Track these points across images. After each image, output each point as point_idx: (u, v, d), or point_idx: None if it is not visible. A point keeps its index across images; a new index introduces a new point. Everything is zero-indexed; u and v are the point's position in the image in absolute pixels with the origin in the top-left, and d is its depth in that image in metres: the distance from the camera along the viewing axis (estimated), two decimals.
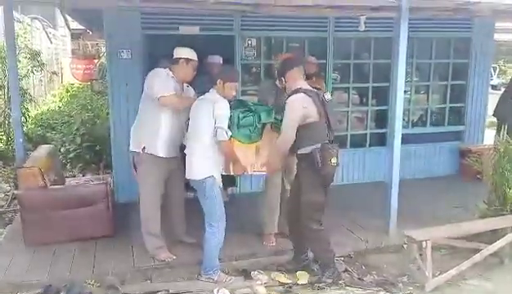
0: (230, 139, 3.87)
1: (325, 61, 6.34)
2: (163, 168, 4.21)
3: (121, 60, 5.59)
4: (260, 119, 4.01)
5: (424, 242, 3.93)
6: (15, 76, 5.29)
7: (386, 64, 6.36)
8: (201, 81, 4.37)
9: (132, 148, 4.28)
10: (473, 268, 4.15)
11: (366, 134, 6.88)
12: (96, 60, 12.63)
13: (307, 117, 3.77)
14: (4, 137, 8.53)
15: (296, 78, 3.91)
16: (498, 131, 6.30)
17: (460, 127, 7.29)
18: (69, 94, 13.25)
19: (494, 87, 16.28)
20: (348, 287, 3.98)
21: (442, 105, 7.24)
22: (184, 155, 4.05)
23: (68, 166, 7.62)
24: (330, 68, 6.43)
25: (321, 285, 3.94)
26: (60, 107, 11.64)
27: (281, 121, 3.91)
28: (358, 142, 6.84)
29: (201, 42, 5.53)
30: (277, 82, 4.15)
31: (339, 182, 6.25)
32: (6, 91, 8.18)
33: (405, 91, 5.16)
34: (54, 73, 14.01)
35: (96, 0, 5.12)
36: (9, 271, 4.12)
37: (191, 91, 4.35)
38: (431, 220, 4.78)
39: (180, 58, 4.15)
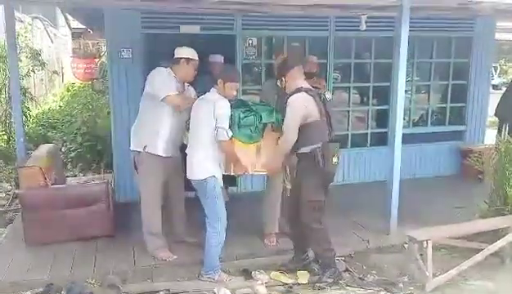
0: (231, 139, 3.87)
1: (325, 61, 6.34)
2: (164, 168, 4.21)
3: (122, 60, 5.59)
4: (261, 119, 4.00)
5: (424, 242, 3.93)
6: (16, 75, 5.30)
7: (387, 63, 6.36)
8: (202, 80, 4.37)
9: (132, 147, 4.28)
10: (474, 268, 4.15)
11: (366, 133, 6.88)
12: (96, 60, 12.60)
13: (308, 116, 3.78)
14: (5, 136, 8.55)
15: (296, 78, 3.91)
16: (499, 130, 6.30)
17: (461, 127, 7.28)
18: (69, 93, 13.26)
19: (495, 87, 16.29)
20: (348, 287, 3.98)
21: (443, 105, 7.23)
22: (184, 155, 4.05)
23: (69, 165, 7.64)
24: (330, 67, 6.42)
25: (321, 285, 3.94)
26: (60, 106, 11.66)
27: (282, 120, 3.91)
28: (359, 142, 6.84)
29: (202, 42, 5.54)
30: (278, 82, 4.15)
31: (340, 182, 6.26)
32: (7, 90, 8.19)
33: (406, 91, 5.16)
34: (55, 72, 14.02)
35: None
36: (10, 270, 4.12)
37: (192, 91, 4.35)
38: (432, 219, 4.77)
39: (181, 58, 4.15)
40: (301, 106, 3.77)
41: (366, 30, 5.60)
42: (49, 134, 9.01)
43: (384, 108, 6.76)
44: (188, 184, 4.16)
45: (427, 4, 4.96)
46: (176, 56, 4.17)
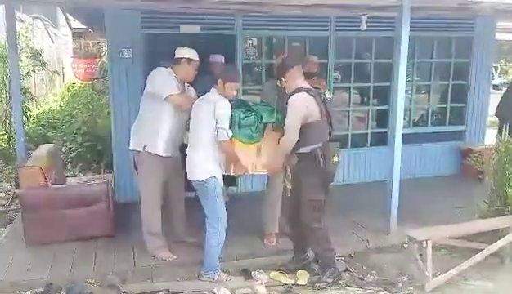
0: (231, 139, 3.87)
1: (326, 61, 6.33)
2: (164, 168, 4.21)
3: (122, 60, 5.60)
4: (262, 119, 3.99)
5: (424, 242, 3.93)
6: (16, 75, 5.31)
7: (387, 63, 6.36)
8: (202, 80, 4.37)
9: (132, 147, 4.29)
10: (473, 268, 4.14)
11: (366, 133, 6.88)
12: (97, 60, 12.62)
13: (309, 116, 3.78)
14: (5, 136, 8.56)
15: (296, 78, 3.91)
16: (499, 130, 6.30)
17: (461, 127, 7.28)
18: (70, 93, 13.27)
19: (495, 87, 16.28)
20: (348, 287, 3.98)
21: (443, 105, 7.23)
22: (184, 155, 4.05)
23: (69, 165, 7.64)
24: (331, 67, 6.42)
25: (321, 285, 3.94)
26: (61, 106, 11.67)
27: (282, 120, 3.91)
28: (359, 142, 6.84)
29: (202, 42, 5.54)
30: (278, 83, 4.15)
31: (340, 182, 6.26)
32: (7, 90, 8.20)
33: (406, 91, 5.16)
34: (55, 72, 14.03)
35: None
36: (10, 270, 4.12)
37: (192, 91, 4.35)
38: (432, 219, 4.77)
39: (181, 58, 4.15)
40: (302, 106, 3.77)
41: (366, 30, 5.60)
42: (49, 134, 9.01)
43: (384, 108, 6.76)
44: (188, 185, 4.16)
45: (427, 4, 4.96)
46: (176, 56, 4.17)
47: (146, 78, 4.26)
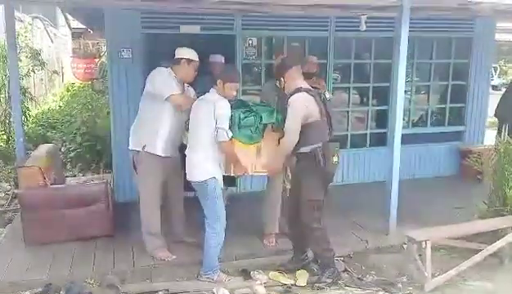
0: (231, 139, 3.87)
1: (325, 61, 6.34)
2: (163, 168, 4.21)
3: (122, 60, 5.60)
4: (261, 120, 3.99)
5: (423, 243, 3.93)
6: (15, 75, 5.31)
7: (387, 64, 6.36)
8: (202, 81, 4.37)
9: (131, 146, 4.28)
10: (472, 268, 4.15)
11: (366, 134, 6.88)
12: (96, 60, 12.61)
13: (309, 116, 3.78)
14: (5, 136, 8.55)
15: (295, 78, 3.91)
16: (499, 131, 6.30)
17: (461, 128, 7.29)
18: (69, 93, 13.26)
19: (495, 88, 16.29)
20: (347, 287, 3.98)
21: (443, 105, 7.23)
22: (184, 155, 4.05)
23: (68, 165, 7.63)
24: (330, 67, 6.42)
25: (320, 285, 3.94)
26: (60, 106, 11.66)
27: (282, 121, 3.91)
28: (358, 142, 6.84)
29: (202, 42, 5.54)
30: (277, 83, 4.14)
31: (339, 182, 6.26)
32: (6, 90, 8.19)
33: (405, 91, 5.16)
34: (55, 72, 14.02)
35: None
36: (9, 270, 4.12)
37: (192, 91, 4.35)
38: (431, 220, 4.78)
39: (181, 58, 4.15)
40: (302, 106, 3.77)
41: (365, 30, 5.61)
42: (48, 134, 9.00)
43: (384, 108, 6.76)
44: (187, 185, 4.16)
45: (427, 4, 4.96)
46: (176, 57, 4.17)
47: (146, 78, 4.26)
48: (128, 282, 3.99)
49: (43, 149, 5.45)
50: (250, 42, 6.13)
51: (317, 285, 3.95)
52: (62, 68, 15.90)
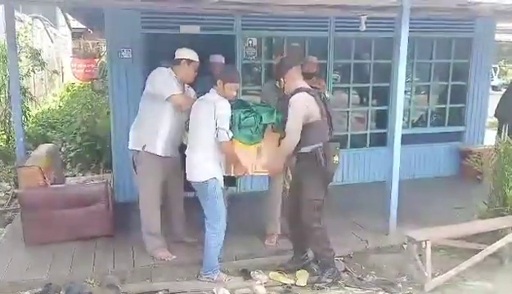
0: (231, 140, 3.86)
1: (325, 61, 6.34)
2: (163, 168, 4.21)
3: (122, 60, 5.60)
4: (261, 120, 3.98)
5: (423, 243, 3.93)
6: (15, 75, 5.31)
7: (386, 64, 6.36)
8: (202, 81, 4.37)
9: (131, 146, 4.28)
10: (472, 268, 4.15)
11: (366, 134, 6.88)
12: (96, 60, 12.62)
13: (309, 116, 3.78)
14: (5, 136, 8.55)
15: (295, 78, 3.92)
16: (499, 131, 6.30)
17: (461, 128, 7.29)
18: (69, 93, 13.27)
19: (494, 88, 16.29)
20: (347, 287, 3.98)
21: (443, 106, 7.24)
22: (184, 155, 4.05)
23: (68, 165, 7.63)
24: (330, 68, 6.43)
25: (320, 285, 3.94)
26: (60, 106, 11.66)
27: (282, 121, 3.91)
28: (358, 142, 6.84)
29: (202, 42, 5.54)
30: (277, 83, 4.14)
31: (339, 182, 6.26)
32: (6, 90, 8.19)
33: (405, 92, 5.16)
34: (55, 72, 14.03)
35: None
36: (9, 270, 4.12)
37: (192, 92, 4.35)
38: (431, 220, 4.78)
39: (182, 59, 4.15)
40: (303, 106, 3.77)
41: (365, 31, 5.61)
42: (48, 134, 9.01)
43: (384, 108, 6.76)
44: (187, 185, 4.16)
45: (427, 5, 4.96)
46: (177, 57, 4.18)
47: (146, 78, 4.26)
48: (128, 282, 3.99)
49: (43, 148, 5.45)
50: (250, 42, 6.13)
51: (317, 285, 3.95)
52: (62, 68, 15.91)
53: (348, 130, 6.74)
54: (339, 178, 6.27)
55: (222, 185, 3.97)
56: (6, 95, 8.23)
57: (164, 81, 4.08)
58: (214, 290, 3.82)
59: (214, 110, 3.78)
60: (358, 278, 4.14)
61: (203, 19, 5.70)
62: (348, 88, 6.73)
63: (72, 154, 7.71)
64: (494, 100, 7.47)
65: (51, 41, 15.00)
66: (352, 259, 4.49)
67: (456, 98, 7.21)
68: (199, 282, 3.98)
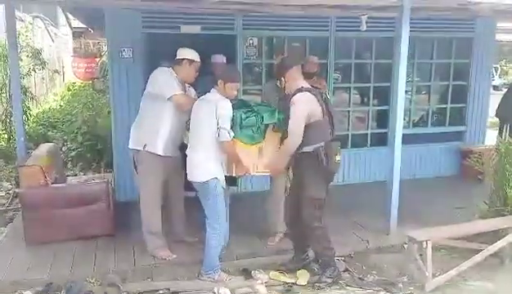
0: (232, 139, 3.86)
1: (326, 61, 6.34)
2: (164, 167, 4.22)
3: (122, 59, 5.60)
4: (263, 120, 3.97)
5: (424, 243, 3.93)
6: (16, 74, 5.32)
7: (387, 64, 6.36)
8: (203, 81, 4.37)
9: (132, 145, 4.28)
10: (473, 268, 4.15)
11: (366, 134, 6.89)
12: (97, 59, 12.62)
13: (311, 116, 3.78)
14: (6, 135, 8.56)
15: (296, 78, 3.92)
16: (500, 131, 6.30)
17: (461, 128, 7.29)
18: (70, 92, 13.29)
19: (495, 88, 16.29)
20: (348, 287, 3.98)
21: (443, 105, 7.23)
22: (184, 154, 4.05)
23: (69, 164, 7.64)
24: (331, 67, 6.43)
25: (321, 284, 3.94)
26: (61, 105, 11.68)
27: (283, 121, 3.91)
28: (359, 142, 6.84)
29: (203, 42, 5.54)
30: (277, 83, 4.14)
31: (340, 182, 6.26)
32: (7, 89, 8.20)
33: (406, 91, 5.15)
34: (56, 71, 14.04)
35: None
36: (10, 269, 4.13)
37: (192, 92, 4.35)
38: (432, 220, 4.78)
39: (183, 59, 4.16)
40: (305, 106, 3.77)
41: (366, 31, 5.60)
42: (49, 133, 9.02)
43: (385, 108, 6.76)
44: (188, 185, 4.16)
45: (427, 5, 4.96)
46: (178, 57, 4.18)
47: (147, 78, 4.27)
48: (128, 282, 3.99)
49: (44, 148, 5.46)
50: (251, 41, 6.13)
51: (318, 284, 3.95)
52: (63, 67, 15.93)
53: (348, 130, 6.74)
54: (339, 178, 6.27)
55: (224, 185, 3.97)
56: (7, 94, 8.24)
57: (166, 81, 4.08)
58: (215, 289, 3.82)
59: (216, 110, 3.78)
60: (359, 278, 4.14)
61: (203, 18, 5.70)
62: (349, 88, 6.73)
63: (73, 154, 7.72)
64: (495, 99, 7.47)
65: (52, 40, 15.01)
66: (352, 259, 4.49)
67: (457, 98, 7.21)
68: (200, 282, 3.98)
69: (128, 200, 5.39)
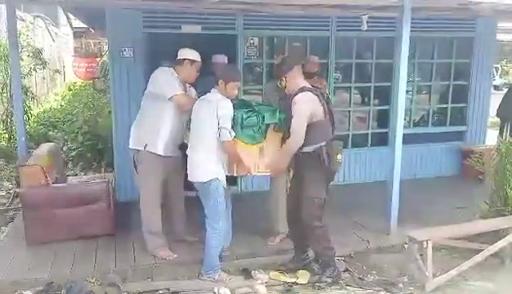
0: (233, 139, 3.86)
1: (326, 61, 6.34)
2: (164, 167, 4.22)
3: (123, 59, 5.60)
4: (264, 120, 3.97)
5: (424, 243, 3.93)
6: (17, 74, 5.32)
7: (388, 63, 6.35)
8: (203, 81, 4.36)
9: (132, 145, 4.29)
10: (474, 268, 4.14)
11: (367, 134, 6.88)
12: (98, 59, 12.63)
13: (313, 115, 3.78)
14: (6, 135, 8.57)
15: (296, 77, 3.92)
16: (500, 131, 6.30)
17: (462, 128, 7.29)
18: (71, 92, 13.30)
19: (496, 88, 16.29)
20: (348, 287, 3.98)
21: (444, 105, 7.23)
22: (184, 154, 4.05)
23: (70, 164, 7.65)
24: (331, 67, 6.43)
25: (321, 284, 3.94)
26: (62, 105, 11.69)
27: (284, 121, 3.91)
28: (360, 142, 6.84)
29: (203, 41, 5.54)
30: (278, 83, 4.14)
31: (340, 182, 6.26)
32: (8, 89, 8.21)
33: (407, 91, 5.15)
34: (56, 71, 14.05)
35: None
36: (11, 269, 4.13)
37: (193, 92, 4.36)
38: (432, 220, 4.78)
39: (184, 59, 4.16)
40: (307, 106, 3.77)
41: (367, 30, 5.59)
42: (50, 133, 9.03)
43: (385, 108, 6.75)
44: (188, 184, 4.16)
45: (428, 4, 4.96)
46: (179, 57, 4.18)
47: (148, 78, 4.27)
48: (129, 281, 3.99)
49: (45, 147, 5.46)
50: (252, 41, 6.13)
51: (318, 284, 3.95)
52: (64, 67, 15.93)
53: (349, 129, 6.74)
54: (340, 178, 6.27)
55: (225, 185, 3.97)
56: (8, 94, 8.24)
57: (167, 81, 4.08)
58: (215, 289, 3.82)
59: (216, 110, 3.77)
60: (359, 278, 4.13)
61: (204, 18, 5.70)
62: (350, 88, 6.72)
63: (73, 153, 7.72)
64: (496, 99, 7.47)
65: (53, 40, 15.01)
66: (353, 259, 4.48)
67: (458, 98, 7.20)
68: (201, 282, 3.98)
69: (129, 200, 5.39)
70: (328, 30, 6.31)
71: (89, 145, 7.62)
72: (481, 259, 4.15)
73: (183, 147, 4.15)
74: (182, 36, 5.63)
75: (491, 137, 7.29)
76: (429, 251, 3.91)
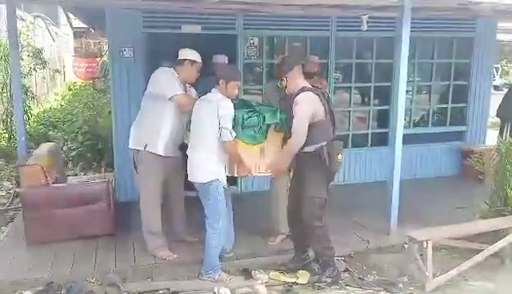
0: (234, 139, 3.85)
1: (326, 61, 6.34)
2: (164, 167, 4.22)
3: (123, 59, 5.60)
4: (265, 120, 3.96)
5: (424, 243, 3.93)
6: (17, 74, 5.32)
7: (388, 63, 6.35)
8: (204, 81, 4.36)
9: (132, 145, 4.28)
10: (474, 268, 4.15)
11: (367, 134, 6.88)
12: (98, 59, 12.63)
13: (315, 115, 3.78)
14: (6, 135, 8.57)
15: (297, 77, 3.92)
16: (501, 131, 6.30)
17: (462, 128, 7.29)
18: (71, 92, 13.30)
19: (496, 88, 16.29)
20: (348, 287, 3.98)
21: (444, 105, 7.23)
22: (184, 154, 4.04)
23: (70, 164, 7.65)
24: (331, 67, 6.42)
25: (321, 284, 3.94)
26: (62, 105, 11.69)
27: (285, 121, 3.91)
28: (360, 142, 6.84)
29: (203, 41, 5.54)
30: (278, 83, 4.13)
31: (340, 182, 6.26)
32: (8, 88, 8.21)
33: (407, 91, 5.15)
34: (56, 71, 14.05)
35: None
36: (11, 269, 4.13)
37: (193, 92, 4.36)
38: (432, 220, 4.78)
39: (185, 59, 4.16)
40: (308, 105, 3.77)
41: (367, 30, 5.59)
42: (50, 133, 9.03)
43: (385, 108, 6.75)
44: (188, 184, 4.16)
45: (428, 4, 4.96)
46: (180, 57, 4.18)
47: (148, 78, 4.27)
48: (129, 281, 3.99)
49: (45, 147, 5.46)
50: (252, 41, 6.13)
51: (318, 284, 3.95)
52: (64, 67, 15.94)
53: (349, 129, 6.74)
54: (340, 178, 6.27)
55: (225, 186, 3.96)
56: (8, 93, 8.25)
57: (167, 81, 4.08)
58: (215, 289, 3.82)
59: (217, 110, 3.77)
60: (359, 278, 4.14)
61: (204, 18, 5.70)
62: (350, 88, 6.72)
63: (73, 153, 7.72)
64: (496, 99, 7.46)
65: (53, 40, 15.02)
66: (353, 259, 4.48)
67: (458, 98, 7.20)
68: (201, 282, 3.98)
69: (129, 200, 5.39)
70: (328, 30, 6.31)
71: (89, 145, 7.62)
72: (481, 259, 4.15)
73: (183, 147, 4.15)
74: (182, 36, 5.63)
75: (491, 137, 7.29)
76: (429, 251, 3.91)
